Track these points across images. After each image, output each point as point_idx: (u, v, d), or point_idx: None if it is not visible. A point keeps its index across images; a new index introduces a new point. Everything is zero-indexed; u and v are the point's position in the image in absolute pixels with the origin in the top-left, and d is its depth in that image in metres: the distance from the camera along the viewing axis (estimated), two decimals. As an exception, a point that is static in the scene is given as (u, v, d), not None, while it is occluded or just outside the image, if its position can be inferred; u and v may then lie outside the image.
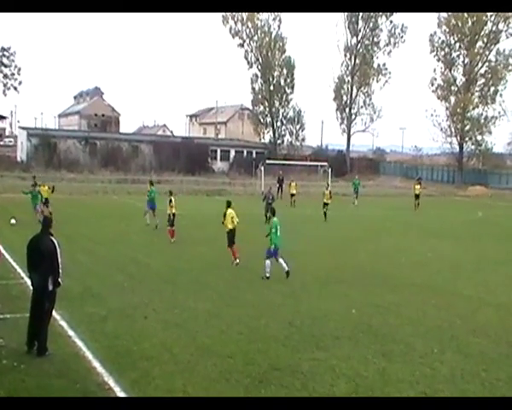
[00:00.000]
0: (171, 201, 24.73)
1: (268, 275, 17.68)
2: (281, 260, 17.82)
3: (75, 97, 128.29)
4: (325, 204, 35.75)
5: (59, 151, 68.85)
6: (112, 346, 11.27)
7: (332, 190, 54.61)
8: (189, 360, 10.67)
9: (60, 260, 10.85)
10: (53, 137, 72.38)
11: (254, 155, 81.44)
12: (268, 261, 17.78)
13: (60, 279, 10.90)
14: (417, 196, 44.73)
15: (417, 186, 45.82)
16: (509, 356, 11.62)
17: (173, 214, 24.55)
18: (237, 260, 19.84)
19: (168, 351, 11.11)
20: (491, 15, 74.93)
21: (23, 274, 15.79)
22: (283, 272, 17.71)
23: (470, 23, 75.55)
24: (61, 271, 10.90)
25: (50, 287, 10.75)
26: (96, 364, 10.28)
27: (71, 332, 11.95)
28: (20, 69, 65.28)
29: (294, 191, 44.00)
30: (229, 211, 20.29)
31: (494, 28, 75.60)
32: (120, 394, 9.11)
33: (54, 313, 11.44)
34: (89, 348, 11.01)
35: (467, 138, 78.57)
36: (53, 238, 10.92)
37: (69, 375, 9.75)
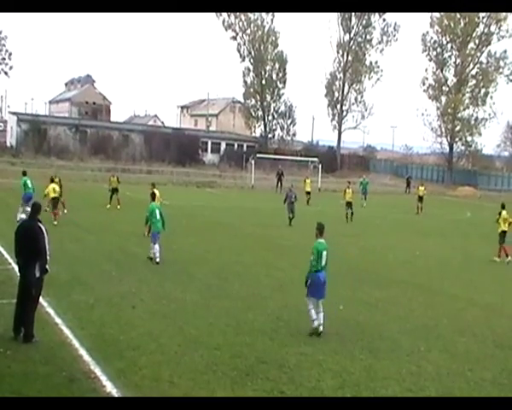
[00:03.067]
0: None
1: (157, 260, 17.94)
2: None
3: (66, 84, 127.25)
4: (348, 203, 33.66)
5: (49, 138, 68.38)
6: (99, 334, 11.22)
7: (322, 186, 55.33)
8: (176, 351, 10.64)
9: (47, 246, 10.77)
10: (43, 123, 71.82)
11: (245, 148, 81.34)
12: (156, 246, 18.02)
13: (47, 266, 10.83)
14: (421, 199, 40.72)
15: (421, 188, 41.93)
16: (494, 356, 11.68)
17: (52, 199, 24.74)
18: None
19: (155, 341, 11.06)
20: (483, 17, 75.20)
21: (10, 260, 15.68)
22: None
23: (462, 24, 75.79)
24: (48, 258, 10.83)
25: (37, 274, 10.67)
26: (83, 352, 10.22)
27: (58, 319, 11.88)
28: (10, 54, 65.05)
29: (310, 189, 41.53)
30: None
31: (486, 30, 75.90)
32: (107, 382, 9.05)
33: (41, 299, 11.37)
34: (75, 336, 10.94)
35: (457, 139, 78.96)
36: (41, 225, 10.83)
37: (55, 362, 9.69)
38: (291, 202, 29.88)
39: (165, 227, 18.72)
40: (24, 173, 27.36)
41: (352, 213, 33.51)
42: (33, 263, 10.63)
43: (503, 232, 23.09)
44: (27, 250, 10.66)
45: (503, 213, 23.42)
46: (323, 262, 12.46)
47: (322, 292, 12.38)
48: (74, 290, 14.21)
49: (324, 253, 12.46)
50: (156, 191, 22.36)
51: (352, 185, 39.57)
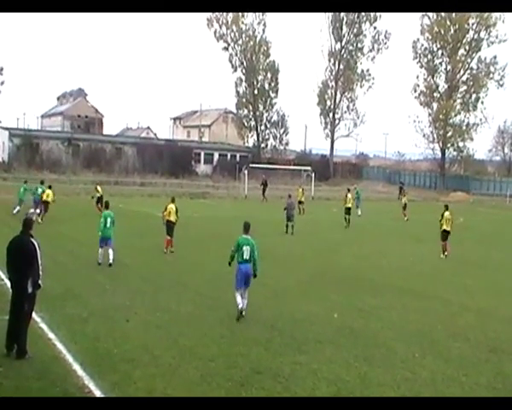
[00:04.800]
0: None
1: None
2: None
3: (58, 98, 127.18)
4: (347, 209, 34.70)
5: (41, 152, 68.34)
6: (92, 348, 11.15)
7: (315, 194, 55.41)
8: (171, 363, 10.59)
9: (40, 261, 10.70)
10: (35, 137, 71.82)
11: (238, 158, 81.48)
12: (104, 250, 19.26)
13: (40, 281, 10.75)
14: (405, 206, 41.33)
15: (403, 197, 43.59)
16: (488, 361, 11.68)
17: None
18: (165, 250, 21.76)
19: (149, 353, 11.02)
20: (472, 23, 75.81)
21: (3, 276, 15.57)
22: None
23: (452, 31, 76.37)
24: (41, 272, 10.75)
25: (30, 289, 10.60)
26: (77, 366, 10.15)
27: (51, 335, 11.79)
28: (2, 69, 64.89)
29: (303, 199, 41.26)
30: (171, 205, 22.21)
31: (476, 36, 76.48)
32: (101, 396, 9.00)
33: (34, 315, 11.29)
34: (69, 351, 10.87)
35: (449, 144, 79.40)
36: (33, 240, 10.77)
37: (48, 377, 9.62)
38: (291, 210, 30.32)
39: (111, 234, 19.65)
40: (25, 182, 32.80)
41: (349, 220, 34.38)
42: (26, 278, 10.55)
43: (446, 231, 24.81)
44: (20, 265, 10.60)
45: (446, 213, 25.04)
46: (245, 256, 13.57)
47: (243, 282, 13.59)
48: (67, 304, 14.15)
49: (245, 247, 13.57)
50: (172, 206, 22.56)
51: (352, 192, 39.74)
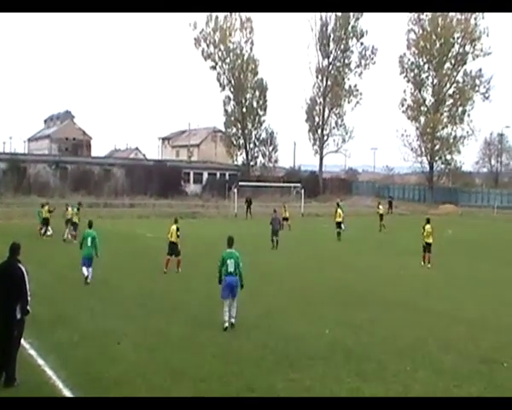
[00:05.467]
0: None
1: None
2: None
3: (45, 121, 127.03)
4: (338, 223, 35.73)
5: (29, 176, 68.04)
6: (83, 372, 11.07)
7: (305, 210, 55.53)
8: (162, 385, 10.55)
9: (28, 286, 10.61)
10: (22, 161, 71.56)
11: (227, 176, 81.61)
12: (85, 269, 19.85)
13: (28, 307, 10.66)
14: (381, 217, 43.34)
15: (380, 206, 44.89)
16: (479, 372, 11.75)
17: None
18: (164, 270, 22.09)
19: (141, 376, 10.97)
20: (457, 37, 76.76)
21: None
22: None
23: (438, 45, 77.22)
24: (29, 298, 10.66)
25: (18, 315, 10.52)
26: (67, 392, 10.07)
27: (40, 361, 11.69)
28: (-13, 93, 64.74)
29: (287, 215, 41.40)
30: (173, 226, 22.51)
31: (461, 50, 77.38)
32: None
33: (22, 341, 11.18)
34: (59, 377, 10.76)
35: (437, 158, 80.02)
36: (21, 265, 10.71)
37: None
38: (276, 225, 31.02)
39: (97, 253, 20.13)
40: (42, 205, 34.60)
41: (339, 233, 35.23)
42: (14, 304, 10.49)
43: (428, 244, 25.82)
44: (7, 292, 10.51)
45: (427, 226, 25.99)
46: (230, 269, 14.37)
47: (229, 293, 14.38)
48: (57, 329, 14.06)
49: (229, 261, 14.42)
50: (174, 226, 22.78)
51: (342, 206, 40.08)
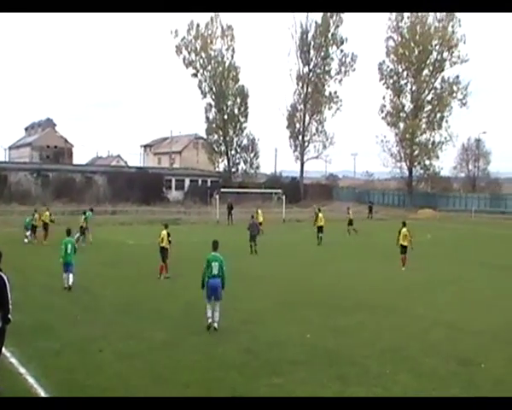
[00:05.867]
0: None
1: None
2: None
3: (26, 129, 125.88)
4: (319, 227, 36.28)
5: (9, 184, 67.47)
6: (65, 381, 11.00)
7: (286, 216, 55.66)
8: (145, 392, 10.49)
9: (9, 295, 10.52)
10: (3, 169, 71.00)
11: (209, 183, 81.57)
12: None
13: (9, 315, 10.57)
14: (351, 222, 43.58)
15: (350, 212, 45.10)
16: (457, 374, 11.88)
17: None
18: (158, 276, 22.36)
19: (124, 383, 10.94)
20: (435, 45, 77.56)
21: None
22: None
23: (417, 52, 77.96)
24: (10, 307, 10.57)
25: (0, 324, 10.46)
26: (49, 400, 10.02)
27: (22, 369, 11.58)
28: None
29: (261, 219, 41.36)
30: (163, 232, 22.68)
31: (439, 57, 78.21)
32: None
33: (3, 350, 11.06)
34: (41, 385, 10.67)
35: (416, 163, 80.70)
36: (2, 274, 10.61)
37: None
38: (253, 231, 31.59)
39: (72, 259, 20.38)
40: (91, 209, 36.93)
41: (321, 238, 35.74)
42: (-5, 313, 10.42)
43: (403, 246, 26.34)
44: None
45: (403, 230, 26.50)
46: (214, 271, 14.83)
47: (213, 294, 14.81)
48: (39, 337, 13.94)
49: (214, 263, 14.87)
50: (165, 232, 22.86)
51: (323, 211, 40.35)
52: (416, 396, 10.46)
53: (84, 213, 35.29)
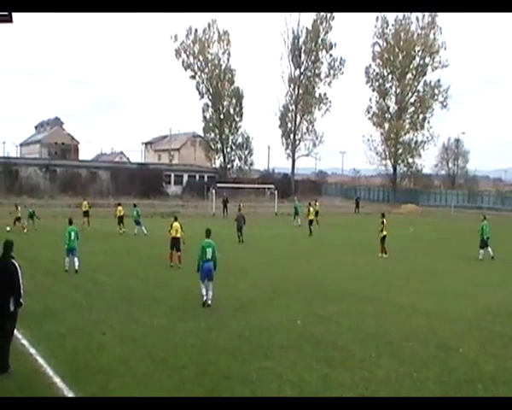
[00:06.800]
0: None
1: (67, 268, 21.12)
2: None
3: (36, 127, 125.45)
4: (311, 221, 36.99)
5: (20, 178, 67.30)
6: (71, 361, 11.08)
7: (278, 210, 55.75)
8: (145, 373, 10.59)
9: (21, 281, 10.64)
10: (14, 164, 70.79)
11: (206, 179, 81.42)
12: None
13: (21, 300, 10.69)
14: (316, 213, 40.98)
15: (315, 206, 41.79)
16: (436, 357, 11.99)
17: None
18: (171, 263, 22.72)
19: (125, 364, 11.00)
20: (418, 50, 77.81)
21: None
22: None
23: (401, 57, 78.20)
24: (22, 292, 10.68)
25: (12, 307, 10.53)
26: (57, 379, 10.09)
27: (32, 350, 11.69)
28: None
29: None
30: (175, 223, 23.05)
31: (421, 62, 78.51)
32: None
33: (16, 331, 11.19)
34: (49, 365, 10.78)
35: (399, 161, 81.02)
36: (14, 261, 10.72)
37: (30, 391, 9.54)
38: (240, 223, 32.29)
39: (75, 245, 21.40)
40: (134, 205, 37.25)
41: (311, 230, 36.44)
42: (8, 298, 10.49)
43: (385, 237, 27.39)
44: (2, 286, 10.52)
45: (385, 221, 27.58)
46: (208, 256, 15.81)
47: (206, 276, 15.84)
48: (47, 321, 14.00)
49: (208, 249, 15.83)
50: (177, 224, 23.12)
51: (314, 205, 40.43)
52: (398, 380, 10.60)
53: (135, 205, 37.04)
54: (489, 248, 27.60)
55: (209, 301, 15.90)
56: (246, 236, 31.98)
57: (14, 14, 8.49)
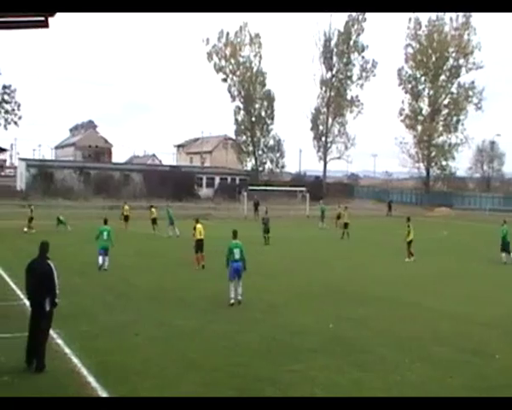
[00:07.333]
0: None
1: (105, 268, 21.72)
2: None
3: (71, 130, 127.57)
4: (345, 224, 36.44)
5: (56, 180, 68.61)
6: (104, 362, 11.20)
7: (310, 213, 55.55)
8: (177, 374, 10.64)
9: (56, 281, 10.82)
10: (50, 167, 72.23)
11: (237, 181, 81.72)
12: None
13: (56, 300, 10.87)
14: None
15: (343, 212, 38.83)
16: (471, 363, 11.75)
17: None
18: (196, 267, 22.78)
19: (157, 366, 11.07)
20: (452, 52, 76.79)
21: (22, 296, 15.66)
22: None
23: (434, 59, 77.28)
24: (57, 292, 10.87)
25: (48, 307, 10.71)
26: (91, 379, 10.21)
27: (67, 350, 11.85)
28: (19, 105, 65.27)
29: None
30: (198, 225, 23.36)
31: (455, 63, 77.48)
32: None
33: (51, 331, 11.37)
34: (84, 364, 10.92)
35: (433, 164, 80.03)
36: (50, 262, 10.91)
37: (65, 390, 9.66)
38: (266, 224, 32.75)
39: (113, 243, 22.44)
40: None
41: (347, 233, 35.68)
42: (44, 298, 10.68)
43: (411, 241, 26.85)
44: (38, 286, 10.71)
45: (410, 225, 26.99)
46: (236, 256, 16.27)
47: (235, 275, 16.28)
48: (81, 321, 14.20)
49: (235, 250, 16.32)
50: (200, 226, 23.47)
51: (349, 210, 40.15)
52: (432, 385, 10.44)
53: (167, 207, 38.08)
54: (503, 254, 26.98)
55: (239, 297, 16.39)
56: (277, 238, 31.91)
57: (50, 19, 8.63)
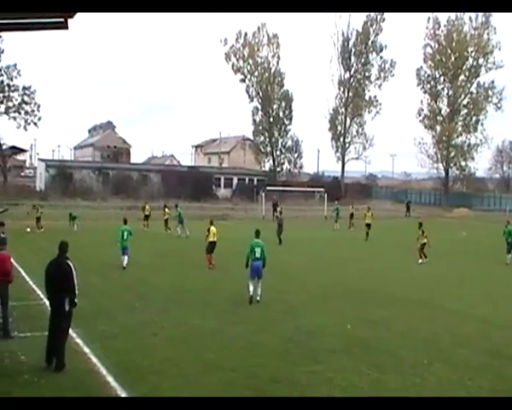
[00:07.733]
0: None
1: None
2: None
3: (89, 131, 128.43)
4: (367, 225, 36.31)
5: (74, 181, 69.14)
6: (123, 361, 11.27)
7: (328, 214, 55.38)
8: (195, 374, 10.67)
9: (75, 281, 10.92)
10: (69, 167, 72.77)
11: (255, 181, 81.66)
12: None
13: (76, 300, 10.96)
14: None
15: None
16: (490, 365, 11.65)
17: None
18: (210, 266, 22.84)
19: (175, 366, 11.12)
20: (471, 51, 76.10)
21: (42, 295, 15.83)
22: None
23: (453, 58, 76.62)
24: (77, 291, 10.96)
25: (67, 307, 10.81)
26: (110, 378, 10.29)
27: (86, 349, 11.96)
28: (39, 106, 65.77)
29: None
30: (212, 228, 23.36)
31: (474, 63, 76.70)
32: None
33: (70, 331, 11.47)
34: (103, 364, 11.00)
35: (452, 164, 79.27)
36: (69, 262, 11.01)
37: (84, 389, 9.74)
38: (280, 225, 32.83)
39: (127, 244, 22.67)
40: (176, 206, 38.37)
41: (366, 234, 35.74)
42: (63, 297, 10.78)
43: (424, 244, 26.76)
44: (58, 286, 10.82)
45: (423, 230, 27.10)
46: (257, 255, 16.50)
47: (256, 274, 16.52)
48: (100, 321, 14.31)
49: (257, 249, 16.56)
50: (213, 228, 23.53)
51: (372, 210, 40.03)
52: (451, 387, 10.36)
53: (176, 206, 37.88)
54: (508, 256, 26.92)
55: (257, 298, 16.54)
56: (293, 239, 31.90)
57: (70, 21, 8.69)
